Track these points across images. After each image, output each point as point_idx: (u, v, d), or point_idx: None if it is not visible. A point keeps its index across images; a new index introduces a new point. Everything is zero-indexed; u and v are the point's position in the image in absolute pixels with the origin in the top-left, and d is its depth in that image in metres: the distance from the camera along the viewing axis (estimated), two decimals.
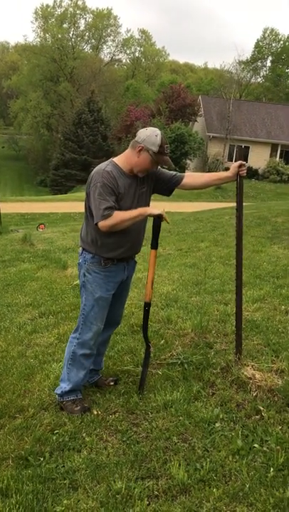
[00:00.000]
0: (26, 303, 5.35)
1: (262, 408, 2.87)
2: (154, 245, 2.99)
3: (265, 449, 2.54)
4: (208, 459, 2.47)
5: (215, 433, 2.69)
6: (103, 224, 2.73)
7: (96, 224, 2.76)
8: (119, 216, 2.73)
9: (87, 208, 2.86)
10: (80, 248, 3.01)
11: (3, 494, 2.31)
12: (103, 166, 2.81)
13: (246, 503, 2.20)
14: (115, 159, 2.88)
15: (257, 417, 2.83)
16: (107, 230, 2.76)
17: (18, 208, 21.30)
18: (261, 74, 59.53)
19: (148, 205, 2.98)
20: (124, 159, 2.84)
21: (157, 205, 2.94)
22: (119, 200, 2.78)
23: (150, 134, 2.76)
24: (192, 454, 2.53)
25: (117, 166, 2.82)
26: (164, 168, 3.04)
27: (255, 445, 2.56)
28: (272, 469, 2.37)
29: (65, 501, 2.25)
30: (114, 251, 2.88)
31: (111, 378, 3.33)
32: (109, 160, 2.88)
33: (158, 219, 2.91)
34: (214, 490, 2.26)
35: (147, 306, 3.09)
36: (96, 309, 2.94)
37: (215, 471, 2.40)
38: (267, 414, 2.82)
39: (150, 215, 2.86)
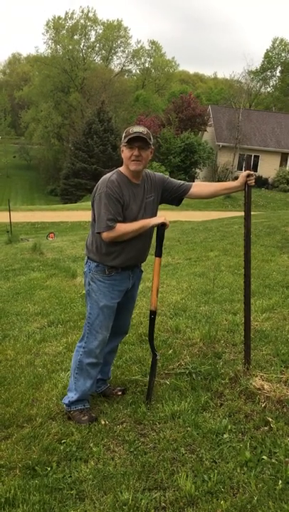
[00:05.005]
0: (35, 312, 5.37)
1: (271, 419, 2.84)
2: (159, 253, 3.00)
3: (273, 461, 2.51)
4: (215, 471, 2.45)
5: (223, 444, 2.66)
6: (106, 236, 2.77)
7: (98, 233, 2.79)
8: (121, 229, 2.76)
9: (93, 216, 2.89)
10: (86, 257, 3.03)
11: (10, 504, 2.31)
12: (108, 175, 2.86)
13: None
14: (121, 168, 2.91)
15: (266, 428, 2.80)
16: (109, 241, 2.79)
17: (29, 217, 21.51)
18: (271, 84, 59.71)
19: (155, 214, 2.99)
20: (123, 166, 2.89)
21: (164, 214, 2.95)
22: (125, 209, 2.80)
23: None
24: (200, 465, 2.51)
25: (123, 174, 2.85)
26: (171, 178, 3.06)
27: (264, 457, 2.53)
28: (280, 482, 2.34)
29: None
30: (119, 259, 2.89)
31: (119, 388, 3.33)
32: (115, 170, 2.91)
33: (162, 227, 2.91)
34: (222, 502, 2.24)
35: (153, 314, 3.08)
36: (101, 318, 2.95)
37: (223, 482, 2.37)
38: (276, 426, 2.79)
39: (154, 226, 2.87)
